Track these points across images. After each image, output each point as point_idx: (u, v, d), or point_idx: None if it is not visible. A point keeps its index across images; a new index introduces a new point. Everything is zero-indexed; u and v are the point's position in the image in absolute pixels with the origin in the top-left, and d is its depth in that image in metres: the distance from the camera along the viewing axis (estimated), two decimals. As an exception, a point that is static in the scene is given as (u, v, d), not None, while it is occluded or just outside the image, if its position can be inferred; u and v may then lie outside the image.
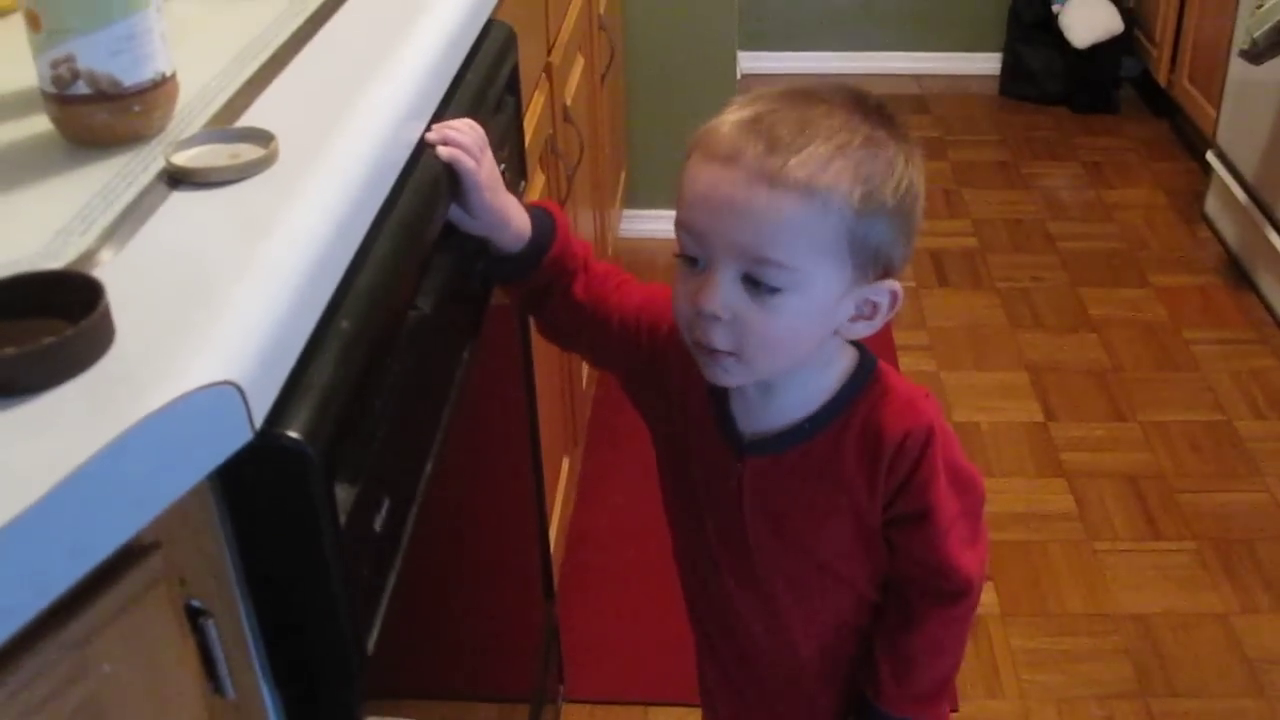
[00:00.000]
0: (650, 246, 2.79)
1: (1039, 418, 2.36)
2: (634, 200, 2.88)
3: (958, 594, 1.00)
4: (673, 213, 0.91)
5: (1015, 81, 3.72)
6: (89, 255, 0.67)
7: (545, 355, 1.55)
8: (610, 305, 1.05)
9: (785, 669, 1.09)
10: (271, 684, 0.72)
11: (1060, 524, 2.11)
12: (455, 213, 0.97)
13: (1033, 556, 2.04)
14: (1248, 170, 2.76)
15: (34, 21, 0.75)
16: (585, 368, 2.03)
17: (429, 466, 0.89)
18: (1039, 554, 2.04)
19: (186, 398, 0.56)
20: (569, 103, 1.86)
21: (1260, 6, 2.53)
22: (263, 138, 0.78)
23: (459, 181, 0.96)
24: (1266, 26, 2.48)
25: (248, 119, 0.84)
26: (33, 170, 0.77)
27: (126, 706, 0.59)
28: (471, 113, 1.02)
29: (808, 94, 0.88)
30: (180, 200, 0.74)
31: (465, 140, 0.96)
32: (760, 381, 0.95)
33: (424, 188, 0.90)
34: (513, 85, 1.24)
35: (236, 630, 0.69)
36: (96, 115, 0.78)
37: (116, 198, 0.73)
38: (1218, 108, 2.95)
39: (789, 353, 0.91)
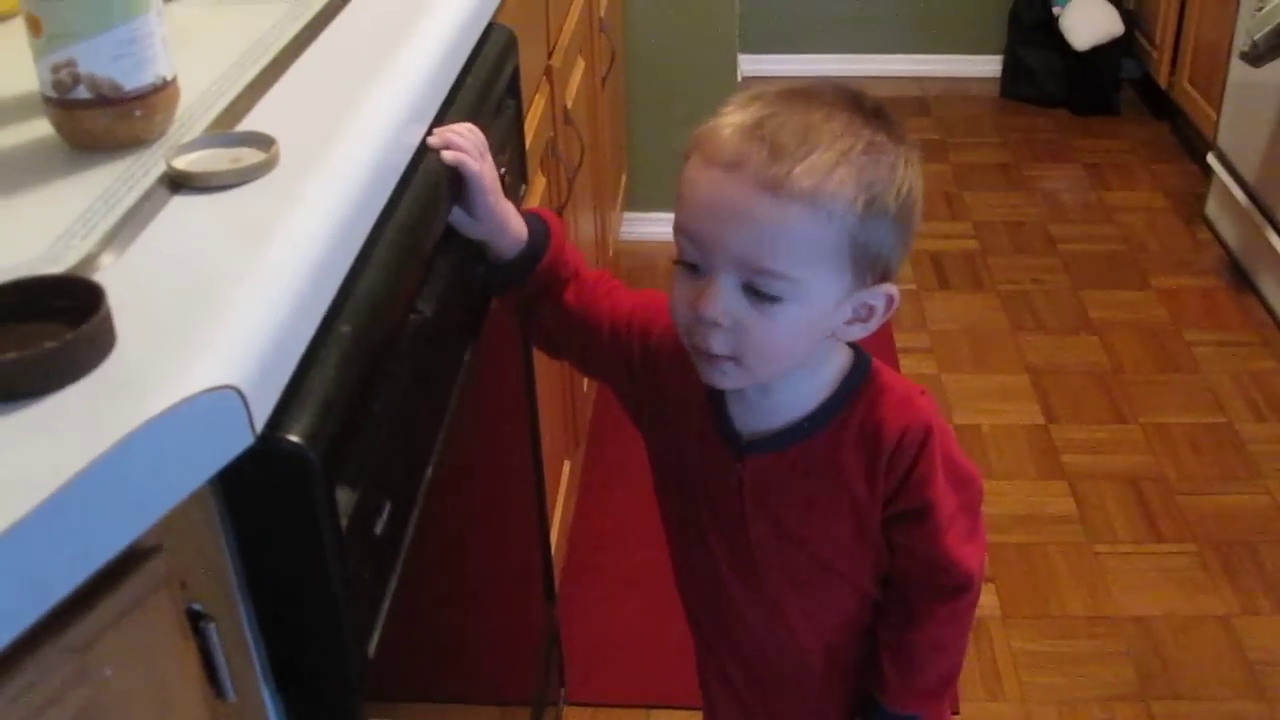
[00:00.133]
0: (651, 249, 2.79)
1: (1040, 420, 2.36)
2: (635, 203, 2.88)
3: (959, 589, 1.00)
4: (673, 216, 0.91)
5: (1016, 84, 3.72)
6: (90, 259, 0.67)
7: (546, 358, 1.55)
8: (601, 311, 1.05)
9: (788, 672, 1.09)
10: (272, 687, 0.72)
11: (1061, 526, 2.10)
12: (455, 217, 0.97)
13: (1034, 559, 2.03)
14: (1248, 172, 2.76)
15: (35, 26, 0.75)
16: (586, 370, 2.02)
17: (430, 470, 0.89)
18: (1040, 556, 2.04)
19: (188, 402, 0.56)
20: (570, 105, 1.86)
21: (1261, 9, 2.53)
22: (263, 142, 0.78)
23: (464, 185, 0.96)
24: (1267, 29, 2.48)
25: (248, 123, 0.84)
26: (34, 175, 0.77)
27: (128, 710, 0.59)
28: (472, 116, 1.02)
29: (807, 96, 0.88)
30: (181, 204, 0.74)
31: (466, 144, 0.96)
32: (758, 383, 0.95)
33: (424, 192, 0.90)
34: (513, 88, 1.24)
35: (237, 634, 0.69)
36: (97, 119, 0.78)
37: (117, 202, 0.73)
38: (1218, 110, 2.95)
39: (787, 358, 0.91)
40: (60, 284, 0.63)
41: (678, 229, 0.89)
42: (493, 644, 1.32)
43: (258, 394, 0.60)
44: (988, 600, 1.93)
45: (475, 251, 1.01)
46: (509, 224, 1.00)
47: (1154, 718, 1.74)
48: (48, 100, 0.78)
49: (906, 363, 2.51)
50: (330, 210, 0.74)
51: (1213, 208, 2.99)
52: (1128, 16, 3.52)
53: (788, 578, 1.03)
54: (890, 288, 0.91)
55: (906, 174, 0.87)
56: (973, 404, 2.40)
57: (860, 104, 0.88)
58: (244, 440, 0.60)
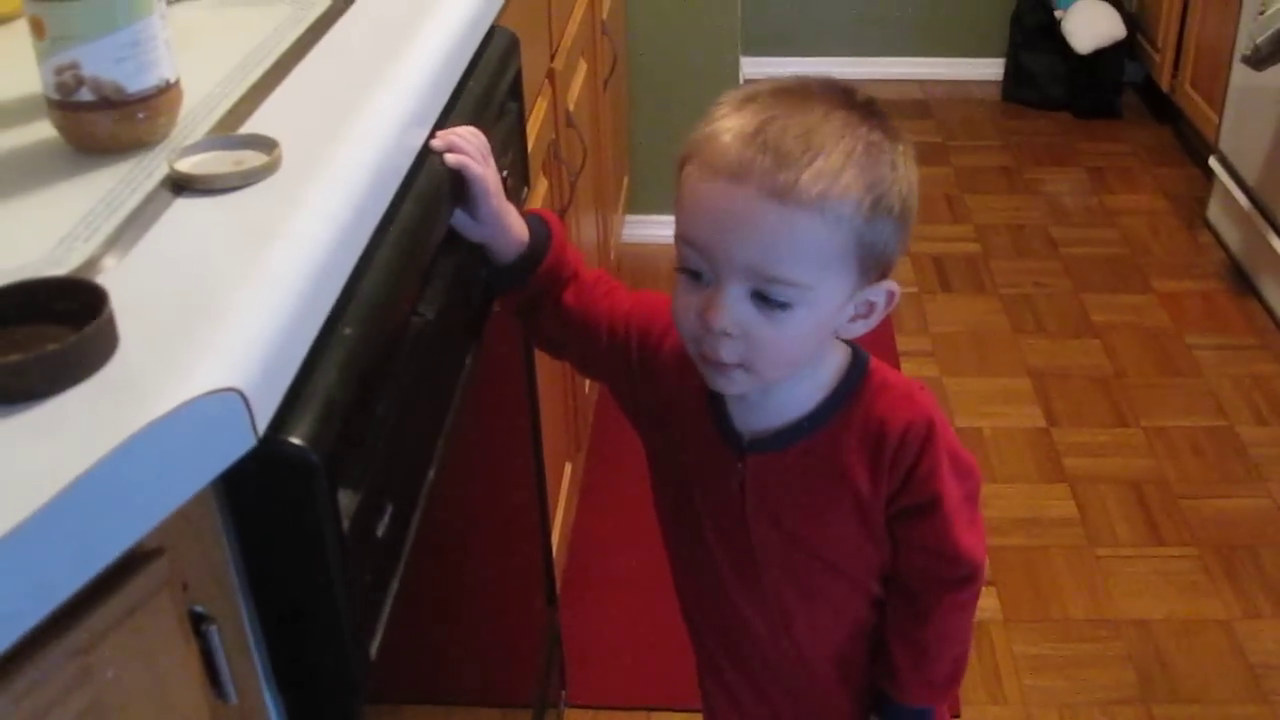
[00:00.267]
0: (653, 251, 2.79)
1: (1041, 423, 2.36)
2: (637, 205, 2.88)
3: (965, 579, 1.00)
4: (674, 220, 0.91)
5: (1018, 87, 3.72)
6: (93, 262, 0.67)
7: (547, 361, 1.55)
8: (600, 311, 1.05)
9: (791, 675, 1.09)
10: (274, 689, 0.72)
11: (1062, 529, 2.10)
12: (457, 220, 0.97)
13: (1035, 562, 2.03)
14: (1250, 176, 2.76)
15: (38, 28, 0.75)
16: (587, 373, 2.02)
17: (431, 472, 0.89)
18: (1041, 559, 2.04)
19: (190, 404, 0.56)
20: (572, 108, 1.86)
21: (1263, 12, 2.53)
22: (266, 144, 0.78)
23: (468, 188, 0.96)
24: (1269, 32, 2.48)
25: (251, 126, 0.84)
26: (37, 177, 0.77)
27: (129, 712, 0.59)
28: (474, 119, 1.02)
29: (801, 94, 0.87)
30: (184, 207, 0.74)
31: (469, 147, 0.96)
32: (759, 384, 0.95)
33: (427, 195, 0.90)
34: (515, 91, 1.24)
35: (239, 636, 0.69)
36: (100, 122, 0.78)
37: (120, 204, 0.73)
38: (1220, 113, 2.95)
39: (797, 361, 0.92)
40: (63, 286, 0.63)
41: (680, 238, 0.89)
42: (494, 646, 1.32)
43: (260, 396, 0.60)
44: (989, 603, 1.93)
45: (477, 254, 1.01)
46: (511, 227, 1.00)
47: (1155, 721, 1.75)
48: (51, 103, 0.78)
49: (908, 365, 2.51)
50: (333, 213, 0.74)
51: (1214, 211, 2.99)
52: (1130, 20, 3.52)
53: (790, 580, 1.03)
54: (891, 283, 0.91)
55: (905, 170, 0.88)
56: (974, 407, 2.40)
57: (852, 99, 0.88)
58: (246, 443, 0.60)
